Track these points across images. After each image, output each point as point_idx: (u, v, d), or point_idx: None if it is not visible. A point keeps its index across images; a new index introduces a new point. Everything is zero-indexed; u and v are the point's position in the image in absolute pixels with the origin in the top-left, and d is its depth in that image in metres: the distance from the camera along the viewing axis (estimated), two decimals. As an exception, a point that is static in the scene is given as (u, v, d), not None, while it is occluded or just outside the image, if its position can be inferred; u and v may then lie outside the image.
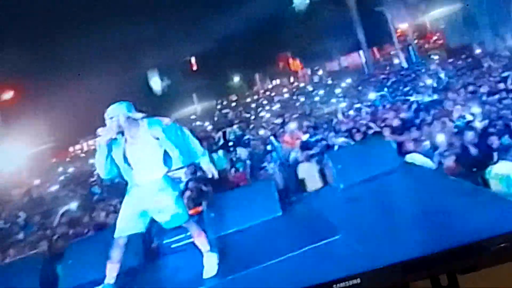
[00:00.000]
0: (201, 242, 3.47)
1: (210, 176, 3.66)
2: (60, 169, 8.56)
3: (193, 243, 3.50)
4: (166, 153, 3.45)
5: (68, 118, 8.61)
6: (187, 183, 5.91)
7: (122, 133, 3.35)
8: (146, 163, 3.37)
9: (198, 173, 6.98)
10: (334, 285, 2.99)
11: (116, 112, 3.30)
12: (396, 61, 10.40)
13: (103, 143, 3.30)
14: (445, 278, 3.15)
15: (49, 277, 3.68)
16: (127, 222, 3.31)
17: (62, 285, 3.67)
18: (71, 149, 9.77)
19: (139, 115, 3.41)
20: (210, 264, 3.44)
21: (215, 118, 10.95)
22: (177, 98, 11.99)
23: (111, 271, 3.29)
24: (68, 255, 3.80)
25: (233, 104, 11.73)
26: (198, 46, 11.72)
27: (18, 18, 7.57)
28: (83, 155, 9.44)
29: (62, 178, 8.11)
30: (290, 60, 12.09)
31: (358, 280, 3.00)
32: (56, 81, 8.32)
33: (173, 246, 3.85)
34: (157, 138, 3.39)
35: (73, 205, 6.07)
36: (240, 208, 3.91)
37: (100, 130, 3.31)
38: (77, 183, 7.21)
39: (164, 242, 3.94)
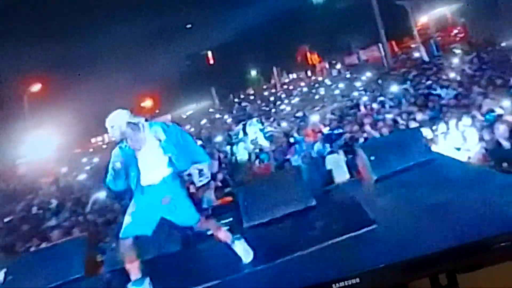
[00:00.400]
0: (222, 235, 3.48)
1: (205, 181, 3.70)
2: (85, 159, 8.70)
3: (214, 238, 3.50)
4: None
5: (90, 110, 8.74)
6: (213, 175, 5.99)
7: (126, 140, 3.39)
8: (152, 165, 3.38)
9: (223, 165, 7.06)
10: (334, 285, 2.96)
11: (116, 120, 3.34)
12: (416, 54, 10.31)
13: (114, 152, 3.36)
14: (445, 278, 3.11)
15: (93, 260, 3.79)
16: (134, 223, 3.33)
17: (106, 268, 3.77)
18: (93, 140, 9.92)
19: (139, 119, 3.43)
20: (244, 249, 3.47)
21: (234, 111, 11.00)
22: (195, 91, 12.06)
23: (132, 269, 3.29)
24: (110, 239, 3.89)
25: (251, 97, 11.76)
26: (214, 40, 11.78)
27: (45, 13, 7.69)
28: (104, 146, 9.57)
29: (88, 167, 8.25)
30: (308, 54, 12.07)
31: (358, 280, 2.98)
32: (79, 75, 8.48)
33: (209, 233, 3.91)
34: (159, 140, 3.43)
35: (102, 194, 6.17)
36: (274, 197, 3.96)
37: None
38: (104, 172, 7.31)
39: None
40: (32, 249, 5.14)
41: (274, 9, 10.59)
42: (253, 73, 12.28)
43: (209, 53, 12.63)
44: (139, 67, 10.35)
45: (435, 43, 10.37)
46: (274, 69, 12.08)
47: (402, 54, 10.77)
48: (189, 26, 11.51)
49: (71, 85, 8.33)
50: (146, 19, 9.67)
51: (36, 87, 8.03)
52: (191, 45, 11.76)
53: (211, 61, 12.65)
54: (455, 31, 10.74)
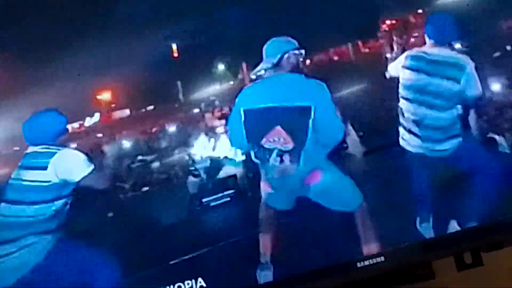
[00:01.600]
0: None
1: None
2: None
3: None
4: None
5: (50, 97, 8.32)
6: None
7: None
8: None
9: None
10: (358, 263, 3.02)
11: None
12: (384, 54, 10.60)
13: None
14: (469, 256, 3.19)
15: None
16: None
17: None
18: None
19: None
20: None
21: (202, 106, 10.77)
22: (158, 85, 11.65)
23: None
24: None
25: (218, 92, 11.57)
26: (180, 33, 11.43)
27: None
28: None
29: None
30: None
31: (382, 258, 3.03)
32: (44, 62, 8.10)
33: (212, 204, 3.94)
34: None
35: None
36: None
37: None
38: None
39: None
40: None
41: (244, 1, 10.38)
42: (221, 68, 12.05)
43: (174, 46, 12.25)
44: (99, 58, 9.88)
45: (396, 45, 10.69)
46: (244, 64, 11.91)
47: (369, 54, 11.07)
48: (154, 19, 11.10)
49: (35, 70, 8.06)
50: (111, 11, 9.37)
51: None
52: (155, 37, 11.33)
53: (175, 54, 12.28)
54: (416, 34, 11.18)
